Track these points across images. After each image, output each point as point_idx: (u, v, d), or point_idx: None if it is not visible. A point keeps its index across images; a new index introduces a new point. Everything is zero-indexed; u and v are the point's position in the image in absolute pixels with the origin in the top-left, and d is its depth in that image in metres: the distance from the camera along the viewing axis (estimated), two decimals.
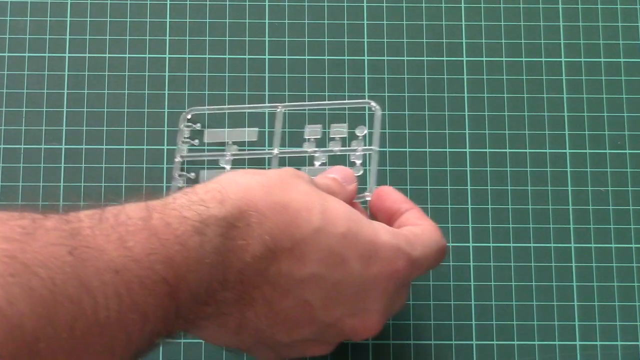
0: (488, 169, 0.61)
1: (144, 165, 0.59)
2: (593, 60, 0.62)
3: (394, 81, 0.62)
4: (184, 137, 0.59)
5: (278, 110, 0.59)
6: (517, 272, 0.59)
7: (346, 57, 0.61)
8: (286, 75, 0.60)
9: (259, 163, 0.59)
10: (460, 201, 0.60)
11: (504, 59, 0.62)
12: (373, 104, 0.58)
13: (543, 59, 0.62)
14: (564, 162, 0.60)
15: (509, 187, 0.60)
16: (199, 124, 0.60)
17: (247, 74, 0.60)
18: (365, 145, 0.58)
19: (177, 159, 0.58)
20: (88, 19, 0.62)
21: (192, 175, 0.58)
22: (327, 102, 0.60)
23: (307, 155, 0.59)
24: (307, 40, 0.62)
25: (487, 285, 0.58)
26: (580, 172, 0.60)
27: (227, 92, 0.61)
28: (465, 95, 0.62)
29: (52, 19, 0.61)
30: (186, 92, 0.60)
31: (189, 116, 0.60)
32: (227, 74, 0.61)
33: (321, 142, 0.59)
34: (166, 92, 0.60)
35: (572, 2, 0.62)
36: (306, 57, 0.61)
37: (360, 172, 0.57)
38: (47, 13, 0.61)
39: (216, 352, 0.58)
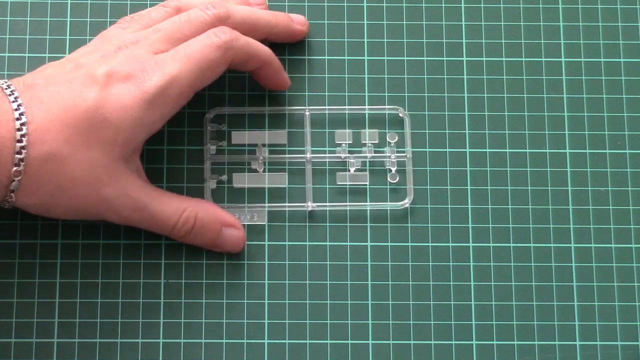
0: (488, 169, 0.60)
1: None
2: (593, 61, 0.61)
3: (394, 81, 0.62)
4: (210, 138, 0.59)
5: (306, 113, 0.59)
6: (517, 272, 0.58)
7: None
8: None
9: (291, 166, 0.59)
10: (460, 201, 0.60)
11: (504, 59, 0.61)
12: (402, 111, 0.59)
13: (543, 59, 0.61)
14: (564, 162, 0.60)
15: (509, 187, 0.60)
16: (224, 125, 0.59)
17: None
18: (395, 152, 0.59)
19: (208, 161, 0.58)
20: (88, 20, 0.61)
21: (225, 177, 0.58)
22: (354, 106, 0.60)
23: (340, 160, 0.59)
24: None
25: (487, 285, 0.58)
26: (580, 172, 0.60)
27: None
28: (465, 95, 0.61)
29: (52, 19, 0.61)
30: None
31: (212, 116, 0.60)
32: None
33: (352, 146, 0.60)
34: None
35: (572, 2, 0.62)
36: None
37: (397, 179, 0.58)
38: (47, 13, 0.61)
39: (216, 353, 0.58)
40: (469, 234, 0.59)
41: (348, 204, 0.58)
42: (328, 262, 0.58)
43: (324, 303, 0.58)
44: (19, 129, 0.50)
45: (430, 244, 0.59)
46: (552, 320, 0.58)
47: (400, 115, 0.60)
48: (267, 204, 0.58)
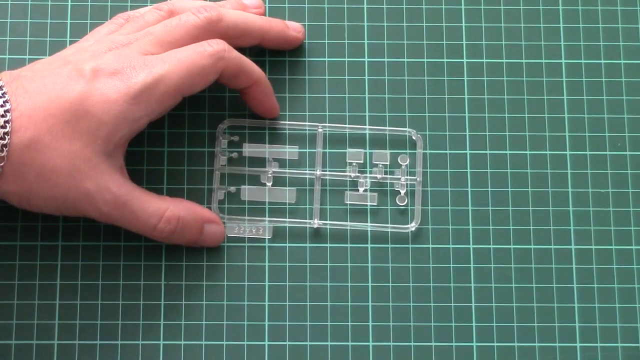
0: (488, 170, 0.60)
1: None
2: (593, 62, 0.61)
3: (394, 82, 0.62)
4: (222, 148, 0.59)
5: (319, 130, 0.59)
6: (517, 273, 0.58)
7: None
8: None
9: (300, 184, 0.59)
10: (461, 203, 0.59)
11: (504, 60, 0.61)
12: (414, 133, 0.59)
13: (543, 61, 0.61)
14: (564, 163, 0.59)
15: (509, 189, 0.59)
16: (237, 137, 0.59)
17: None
18: (407, 175, 0.59)
19: (217, 171, 0.58)
20: (88, 22, 0.61)
21: (233, 189, 0.58)
22: (368, 126, 0.59)
23: (349, 179, 0.59)
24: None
25: (487, 287, 0.58)
26: (581, 173, 0.59)
27: None
28: (466, 96, 0.61)
29: (53, 22, 0.61)
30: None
31: (226, 126, 0.60)
32: None
33: (362, 165, 0.60)
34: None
35: (572, 4, 0.61)
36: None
37: (405, 202, 0.58)
38: (47, 15, 0.60)
39: (216, 355, 0.58)
40: (469, 236, 0.58)
41: (358, 223, 0.58)
42: (328, 264, 0.58)
43: (325, 305, 0.58)
44: (3, 115, 0.50)
45: (430, 246, 0.59)
46: (553, 322, 0.57)
47: (414, 138, 0.60)
48: (271, 218, 0.59)
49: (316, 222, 0.58)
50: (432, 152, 0.59)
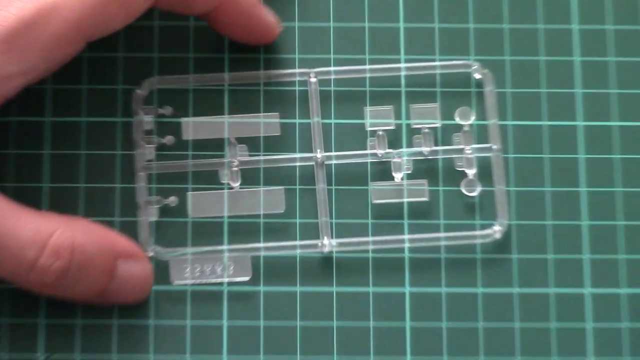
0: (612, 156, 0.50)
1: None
2: None
3: None
4: (145, 131, 0.49)
5: (311, 79, 0.49)
6: None
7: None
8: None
9: (289, 178, 0.49)
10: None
11: None
12: (478, 68, 0.49)
13: None
14: None
15: None
16: (169, 108, 0.49)
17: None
18: (474, 141, 0.49)
19: (140, 171, 0.48)
20: None
21: (172, 200, 0.48)
22: (403, 63, 0.50)
23: (374, 160, 0.49)
24: None
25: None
26: None
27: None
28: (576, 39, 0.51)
29: None
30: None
31: (147, 91, 0.50)
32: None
33: (395, 135, 0.50)
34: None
35: None
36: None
37: (477, 192, 0.48)
38: None
39: None
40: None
41: (398, 238, 0.47)
42: (345, 323, 0.48)
43: None
44: None
45: (516, 290, 0.48)
46: None
47: (478, 75, 0.49)
48: (244, 245, 0.47)
49: (326, 243, 0.47)
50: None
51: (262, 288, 0.48)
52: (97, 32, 0.46)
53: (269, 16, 0.49)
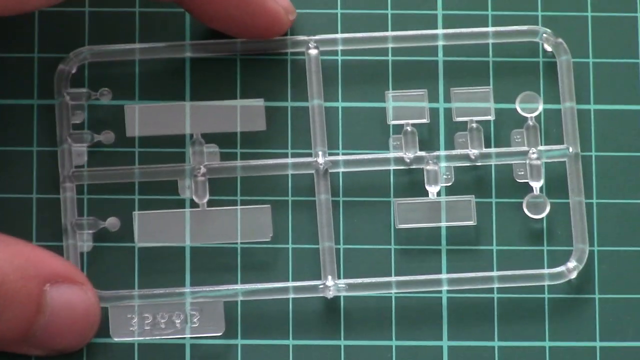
0: None
1: None
2: None
3: None
4: (74, 125, 0.42)
5: (311, 50, 0.42)
6: None
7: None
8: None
9: (279, 190, 0.41)
10: None
11: None
12: (550, 35, 0.41)
13: None
14: None
15: None
16: (106, 91, 0.42)
17: None
18: (541, 142, 0.42)
19: (66, 182, 0.41)
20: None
21: (113, 222, 0.41)
22: (440, 30, 0.42)
23: (395, 168, 0.42)
24: None
25: None
26: None
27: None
28: None
29: None
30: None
31: (75, 67, 0.42)
32: None
33: (429, 132, 0.43)
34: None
35: None
36: None
37: (545, 212, 0.41)
38: None
39: None
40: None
41: (422, 277, 0.40)
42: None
43: None
44: None
45: (598, 344, 0.41)
46: None
47: (549, 49, 0.42)
48: (217, 287, 0.40)
49: (331, 285, 0.40)
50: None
51: (239, 341, 0.40)
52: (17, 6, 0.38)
53: (271, 1, 0.41)
